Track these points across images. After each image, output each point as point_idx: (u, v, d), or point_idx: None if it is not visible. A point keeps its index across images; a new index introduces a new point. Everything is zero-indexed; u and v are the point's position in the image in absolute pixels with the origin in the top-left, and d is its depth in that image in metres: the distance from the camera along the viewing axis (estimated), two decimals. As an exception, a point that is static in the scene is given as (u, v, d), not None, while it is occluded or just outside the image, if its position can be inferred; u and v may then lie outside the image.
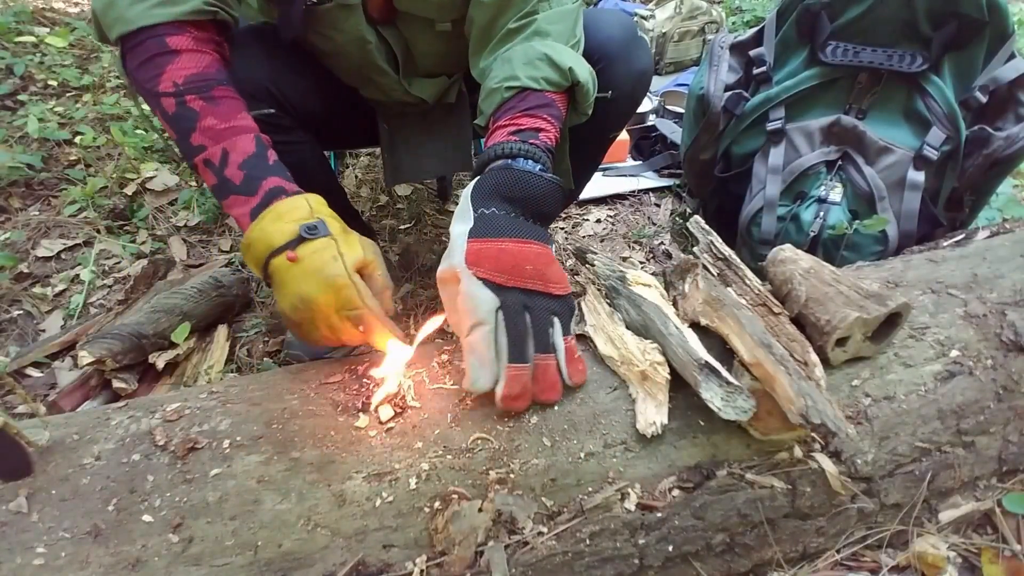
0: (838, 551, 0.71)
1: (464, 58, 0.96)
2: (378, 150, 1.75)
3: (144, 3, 0.71)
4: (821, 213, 1.18)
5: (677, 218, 1.60)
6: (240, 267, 1.37)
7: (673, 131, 1.76)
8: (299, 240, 0.67)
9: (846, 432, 0.57)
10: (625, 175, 1.74)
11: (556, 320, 0.67)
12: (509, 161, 0.74)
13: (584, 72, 0.81)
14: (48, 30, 2.08)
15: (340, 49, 0.91)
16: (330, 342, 0.70)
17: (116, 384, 1.01)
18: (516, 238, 0.69)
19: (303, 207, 0.70)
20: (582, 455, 0.65)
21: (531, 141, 0.75)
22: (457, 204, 0.74)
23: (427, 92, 1.02)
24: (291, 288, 0.67)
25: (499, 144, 0.75)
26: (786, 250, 0.80)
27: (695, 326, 0.72)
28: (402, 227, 1.53)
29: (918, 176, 1.15)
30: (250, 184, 0.71)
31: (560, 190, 0.75)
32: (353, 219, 1.20)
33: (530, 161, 0.74)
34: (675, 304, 0.76)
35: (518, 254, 0.67)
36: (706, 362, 0.62)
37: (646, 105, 1.84)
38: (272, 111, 0.89)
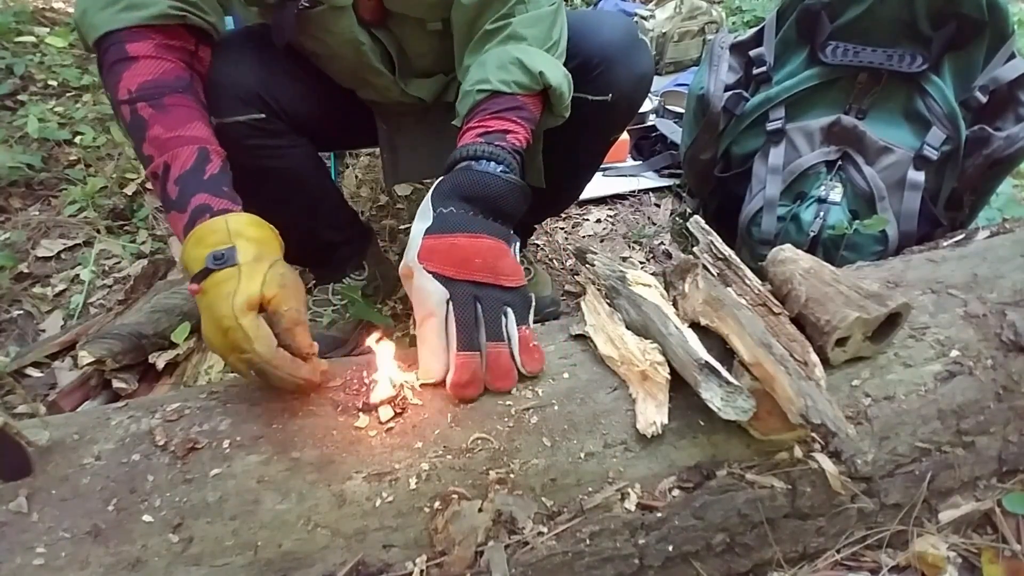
0: (838, 551, 0.71)
1: (453, 59, 0.97)
2: (378, 150, 1.75)
3: (111, 8, 0.71)
4: (821, 213, 1.18)
5: (677, 218, 1.60)
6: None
7: (673, 131, 1.76)
8: (206, 271, 0.63)
9: (846, 432, 0.57)
10: (625, 175, 1.73)
11: (509, 310, 0.69)
12: (471, 163, 0.76)
13: (557, 75, 0.82)
14: (48, 30, 2.08)
15: (334, 52, 0.91)
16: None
17: (116, 384, 1.01)
18: (468, 233, 0.71)
19: (220, 231, 0.65)
20: (582, 455, 0.65)
21: (497, 143, 0.77)
22: None
23: (424, 91, 1.02)
24: (202, 324, 0.64)
25: (465, 146, 0.77)
26: (786, 250, 0.80)
27: (695, 326, 0.72)
28: (402, 227, 1.53)
29: (918, 176, 1.15)
30: (182, 200, 0.69)
31: (521, 190, 0.77)
32: (353, 219, 1.20)
33: (492, 163, 0.76)
34: (675, 304, 0.76)
35: (469, 248, 0.70)
36: (706, 362, 0.62)
37: (646, 105, 1.84)
38: (262, 116, 0.88)
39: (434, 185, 0.76)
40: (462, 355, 0.66)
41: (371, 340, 0.71)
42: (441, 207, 0.73)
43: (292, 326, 0.63)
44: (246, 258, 0.64)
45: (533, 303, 0.74)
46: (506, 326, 0.69)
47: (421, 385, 0.69)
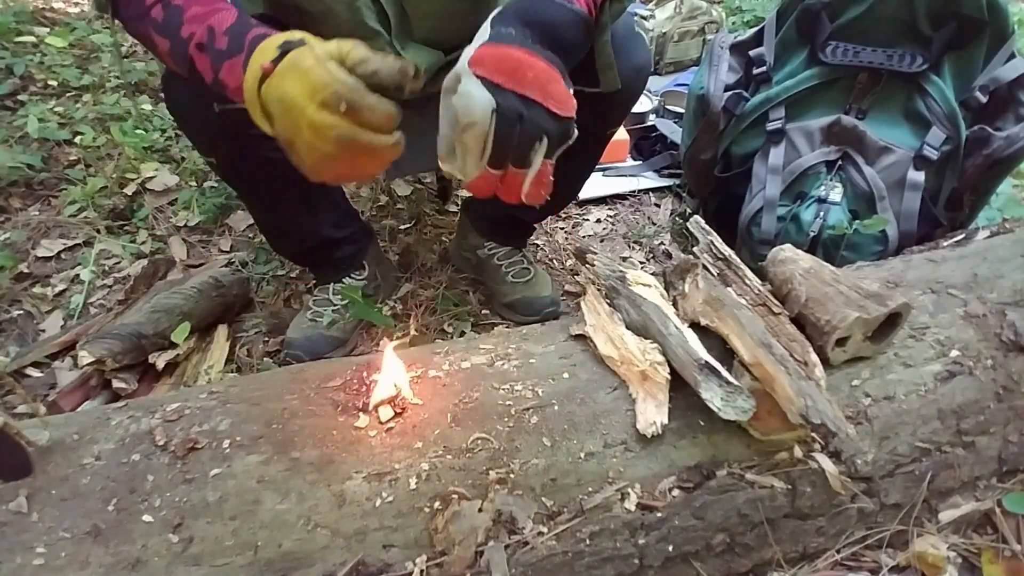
0: (838, 551, 0.71)
1: (463, 24, 0.92)
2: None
3: None
4: (821, 213, 1.18)
5: (677, 218, 1.60)
6: (240, 267, 1.37)
7: (673, 131, 1.76)
8: (279, 57, 0.61)
9: (846, 432, 0.57)
10: (625, 175, 1.73)
11: (544, 139, 0.66)
12: None
13: None
14: (48, 30, 2.08)
15: (328, 8, 0.87)
16: (325, 163, 0.64)
17: (116, 384, 1.01)
18: (526, 49, 0.66)
19: (284, 36, 0.64)
20: (582, 455, 0.65)
21: None
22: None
23: (421, 60, 0.99)
24: (272, 100, 0.62)
25: None
26: (786, 250, 0.80)
27: (695, 326, 0.72)
28: (402, 227, 1.53)
29: (918, 176, 1.15)
30: (236, 43, 0.67)
31: (586, 23, 0.72)
32: (353, 218, 1.20)
33: None
34: (675, 304, 0.76)
35: (523, 60, 0.65)
36: (706, 362, 0.62)
37: (646, 105, 1.84)
38: None
39: (494, 12, 0.71)
40: (488, 171, 0.66)
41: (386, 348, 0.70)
42: (500, 27, 0.68)
43: (379, 59, 0.61)
44: (313, 40, 0.62)
45: (572, 140, 0.70)
46: (534, 155, 0.66)
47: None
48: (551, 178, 0.69)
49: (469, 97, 0.64)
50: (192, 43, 0.70)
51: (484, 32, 0.69)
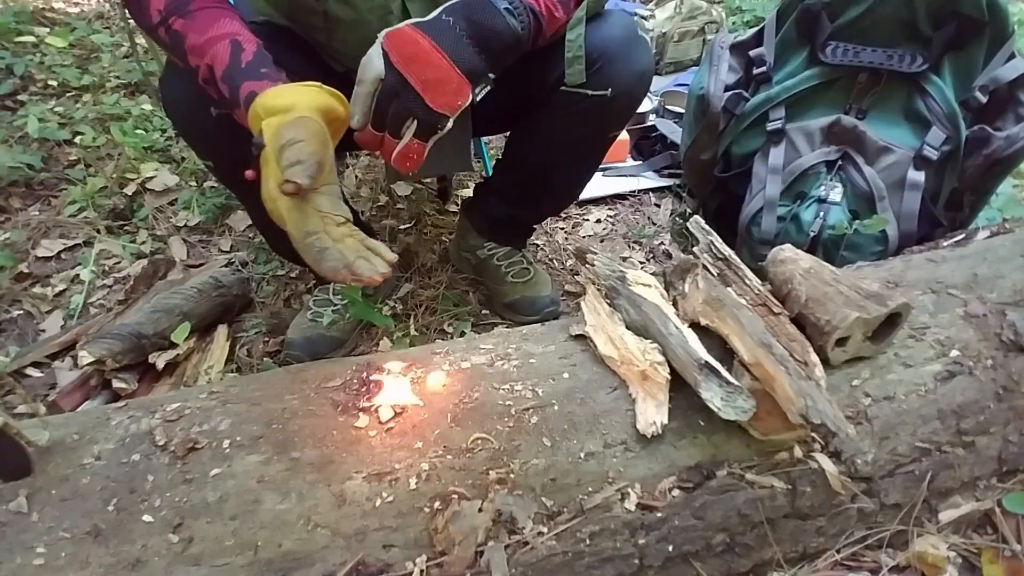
0: (838, 551, 0.71)
1: None
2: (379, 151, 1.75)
3: None
4: (821, 213, 1.18)
5: (677, 218, 1.60)
6: (240, 267, 1.37)
7: (673, 131, 1.76)
8: (256, 159, 0.70)
9: (846, 432, 0.57)
10: (625, 175, 1.73)
11: (413, 122, 0.75)
12: None
13: None
14: (48, 30, 2.08)
15: (361, 18, 0.90)
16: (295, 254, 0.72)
17: (116, 384, 1.01)
18: (441, 51, 0.74)
19: (255, 117, 0.70)
20: (582, 455, 0.65)
21: None
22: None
23: None
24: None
25: None
26: (786, 250, 0.80)
27: (695, 326, 0.72)
28: (402, 227, 1.53)
29: (918, 176, 1.15)
30: (234, 96, 0.73)
31: (518, 42, 0.80)
32: (352, 218, 1.19)
33: (505, 4, 0.77)
34: (675, 304, 0.76)
35: (425, 54, 0.73)
36: (706, 362, 0.62)
37: (646, 105, 1.84)
38: None
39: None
40: (369, 130, 0.76)
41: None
42: (443, 14, 0.76)
43: (287, 167, 0.65)
44: (269, 136, 0.67)
45: (441, 133, 0.78)
46: (404, 130, 0.75)
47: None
48: (419, 157, 0.78)
49: (368, 61, 0.74)
50: (199, 76, 0.76)
51: (432, 12, 0.76)
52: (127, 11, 0.80)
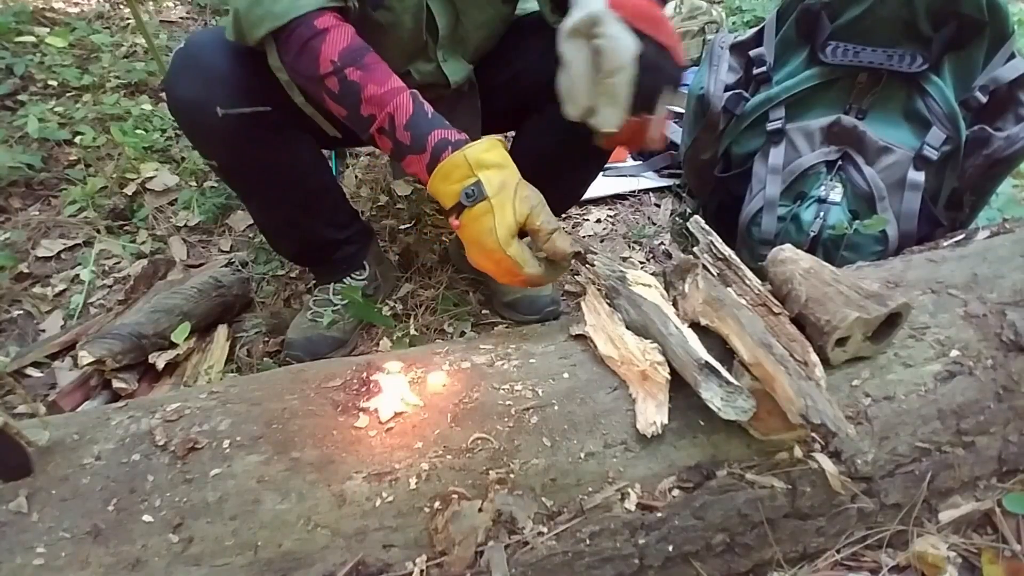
0: (838, 551, 0.71)
1: (504, 27, 0.97)
2: (378, 150, 1.75)
3: None
4: (821, 213, 1.18)
5: (677, 218, 1.60)
6: (240, 267, 1.37)
7: (673, 131, 1.75)
8: (460, 207, 0.72)
9: (846, 432, 0.57)
10: (625, 175, 1.73)
11: (671, 86, 0.69)
12: None
13: None
14: (48, 30, 2.08)
15: (397, 19, 0.90)
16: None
17: (116, 384, 1.01)
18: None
19: (462, 165, 0.72)
20: (582, 455, 0.65)
21: None
22: None
23: (458, 74, 1.02)
24: (466, 250, 0.76)
25: None
26: (786, 250, 0.80)
27: (695, 326, 0.72)
28: (402, 227, 1.53)
29: (918, 176, 1.15)
30: (418, 142, 0.75)
31: None
32: (353, 218, 1.20)
33: None
34: (675, 304, 0.76)
35: (655, 8, 0.67)
36: (706, 362, 0.62)
37: (646, 105, 1.84)
38: (268, 108, 0.88)
39: None
40: (633, 120, 0.68)
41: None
42: None
43: (549, 236, 0.73)
44: (493, 190, 0.71)
45: (681, 85, 0.73)
46: (660, 100, 0.69)
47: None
48: (664, 124, 0.72)
49: (617, 41, 0.63)
50: (374, 126, 0.78)
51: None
52: (280, 60, 0.81)
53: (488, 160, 0.73)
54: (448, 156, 0.73)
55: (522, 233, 0.75)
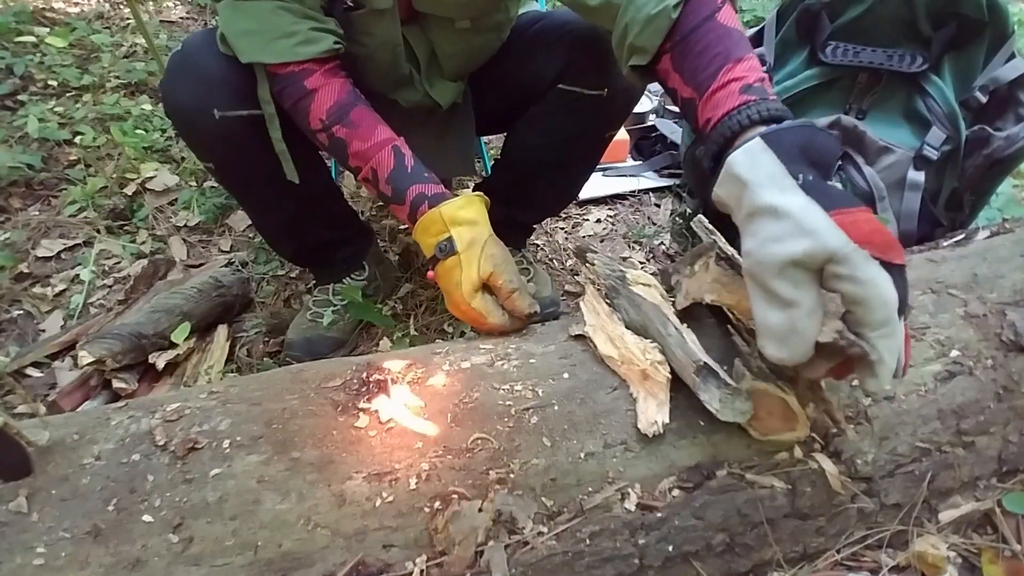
0: (838, 551, 0.71)
1: (482, 56, 0.98)
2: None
3: (287, 41, 0.80)
4: (821, 213, 1.18)
5: (677, 218, 1.60)
6: (240, 267, 1.37)
7: (673, 131, 1.76)
8: (435, 259, 0.80)
9: (861, 346, 0.50)
10: (625, 175, 1.73)
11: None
12: (790, 122, 0.57)
13: None
14: (48, 30, 2.08)
15: (371, 54, 0.92)
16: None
17: (116, 384, 1.01)
18: (856, 208, 0.51)
19: (437, 221, 0.79)
20: (582, 455, 0.65)
21: (770, 98, 0.59)
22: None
23: (446, 97, 1.03)
24: (445, 295, 0.82)
25: (755, 104, 0.58)
26: (786, 250, 0.80)
27: (694, 312, 0.71)
28: (402, 227, 1.53)
29: (918, 176, 1.15)
30: (398, 195, 0.82)
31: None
32: (352, 219, 1.20)
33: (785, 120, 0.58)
34: (679, 288, 0.74)
35: (882, 229, 0.50)
36: (704, 364, 0.62)
37: (646, 105, 1.84)
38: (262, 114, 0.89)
39: (759, 140, 0.54)
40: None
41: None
42: (801, 174, 0.52)
43: (510, 295, 0.78)
44: (463, 246, 0.78)
45: None
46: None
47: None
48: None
49: (882, 289, 0.49)
50: (360, 176, 0.86)
51: (780, 178, 0.52)
52: (268, 92, 0.86)
53: (462, 217, 0.79)
54: (425, 212, 0.80)
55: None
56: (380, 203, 0.87)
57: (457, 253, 0.78)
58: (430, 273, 0.82)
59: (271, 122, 0.88)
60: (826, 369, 0.54)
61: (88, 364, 0.99)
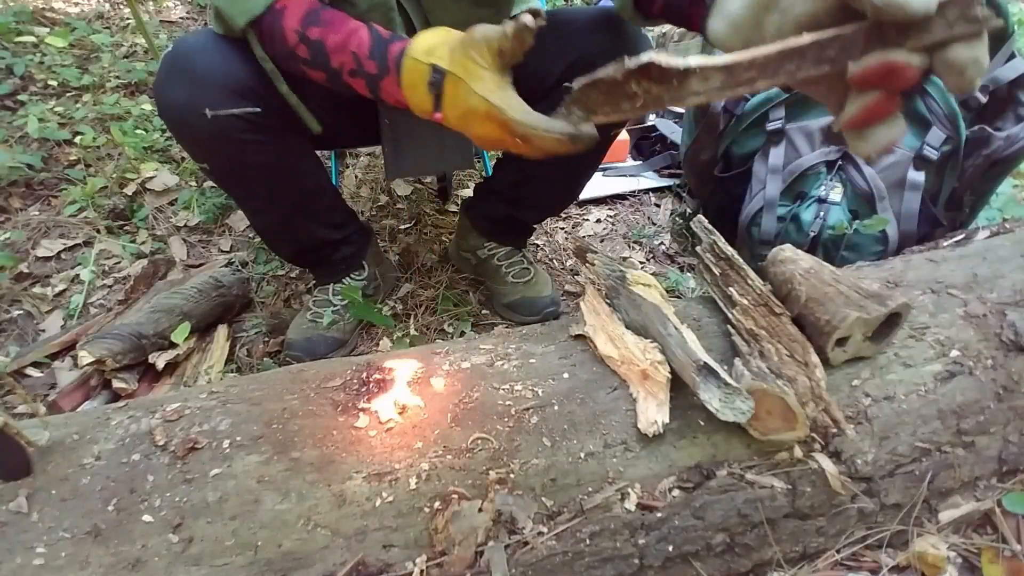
0: (838, 551, 0.71)
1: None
2: (378, 150, 1.75)
3: None
4: (821, 213, 1.18)
5: (677, 218, 1.60)
6: (240, 267, 1.37)
7: (673, 131, 1.76)
8: (436, 100, 0.71)
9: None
10: (625, 175, 1.73)
11: None
12: None
13: None
14: (48, 30, 2.08)
15: (362, 15, 0.90)
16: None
17: (116, 384, 1.01)
18: None
19: (414, 64, 0.71)
20: (582, 455, 0.65)
21: None
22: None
23: None
24: (468, 132, 0.72)
25: None
26: (786, 250, 0.80)
27: (693, 312, 0.71)
28: (402, 227, 1.53)
29: (918, 176, 1.15)
30: (383, 66, 0.75)
31: None
32: (351, 218, 1.20)
33: None
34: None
35: None
36: (704, 363, 0.62)
37: (646, 105, 1.84)
38: (258, 110, 0.88)
39: None
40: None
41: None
42: None
43: (514, 33, 0.66)
44: (448, 62, 0.69)
45: None
46: None
47: None
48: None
49: None
50: (344, 72, 0.79)
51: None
52: (262, 49, 0.83)
53: (430, 43, 0.71)
54: (404, 69, 0.72)
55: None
56: (375, 95, 0.79)
57: (447, 72, 0.69)
58: (437, 117, 0.72)
59: (275, 77, 0.87)
60: None
61: (88, 364, 0.99)
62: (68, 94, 1.88)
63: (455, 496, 0.61)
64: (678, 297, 1.22)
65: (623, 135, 1.75)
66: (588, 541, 0.61)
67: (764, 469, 0.67)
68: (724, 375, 0.61)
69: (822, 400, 0.65)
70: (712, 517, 0.64)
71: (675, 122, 1.80)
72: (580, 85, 0.58)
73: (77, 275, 1.35)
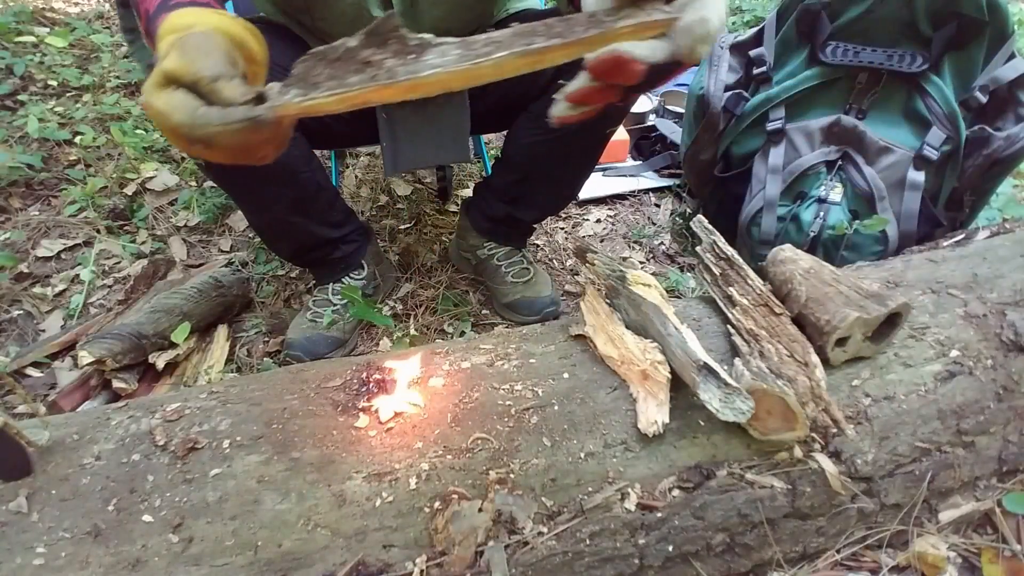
0: (838, 551, 0.71)
1: (469, 14, 0.89)
2: (377, 149, 1.75)
3: None
4: (821, 213, 1.18)
5: (677, 218, 1.60)
6: (240, 267, 1.37)
7: (673, 131, 1.76)
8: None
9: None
10: (625, 175, 1.73)
11: None
12: None
13: None
14: (48, 30, 2.08)
15: None
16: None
17: (116, 384, 1.01)
18: None
19: (164, 40, 0.56)
20: (582, 455, 0.65)
21: None
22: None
23: None
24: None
25: None
26: (786, 250, 0.80)
27: (693, 312, 0.71)
28: (402, 227, 1.53)
29: (918, 176, 1.15)
30: (152, 30, 0.60)
31: None
32: (350, 217, 1.20)
33: None
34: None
35: None
36: (704, 363, 0.62)
37: (646, 105, 1.84)
38: None
39: None
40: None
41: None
42: None
43: (211, 84, 0.51)
44: (164, 52, 0.54)
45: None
46: None
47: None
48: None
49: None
50: (146, 32, 0.64)
51: None
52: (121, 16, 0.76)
53: (176, 24, 0.57)
54: (159, 35, 0.57)
55: None
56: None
57: (153, 66, 0.53)
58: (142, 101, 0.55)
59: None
60: None
61: (88, 364, 0.98)
62: (68, 94, 1.88)
63: (455, 496, 0.61)
64: (678, 297, 1.22)
65: (623, 135, 1.75)
66: (588, 541, 0.61)
67: (764, 469, 0.67)
68: (724, 375, 0.61)
69: (822, 400, 0.65)
70: (712, 517, 0.64)
71: (675, 122, 1.80)
72: (305, 55, 0.51)
73: (77, 275, 1.35)
